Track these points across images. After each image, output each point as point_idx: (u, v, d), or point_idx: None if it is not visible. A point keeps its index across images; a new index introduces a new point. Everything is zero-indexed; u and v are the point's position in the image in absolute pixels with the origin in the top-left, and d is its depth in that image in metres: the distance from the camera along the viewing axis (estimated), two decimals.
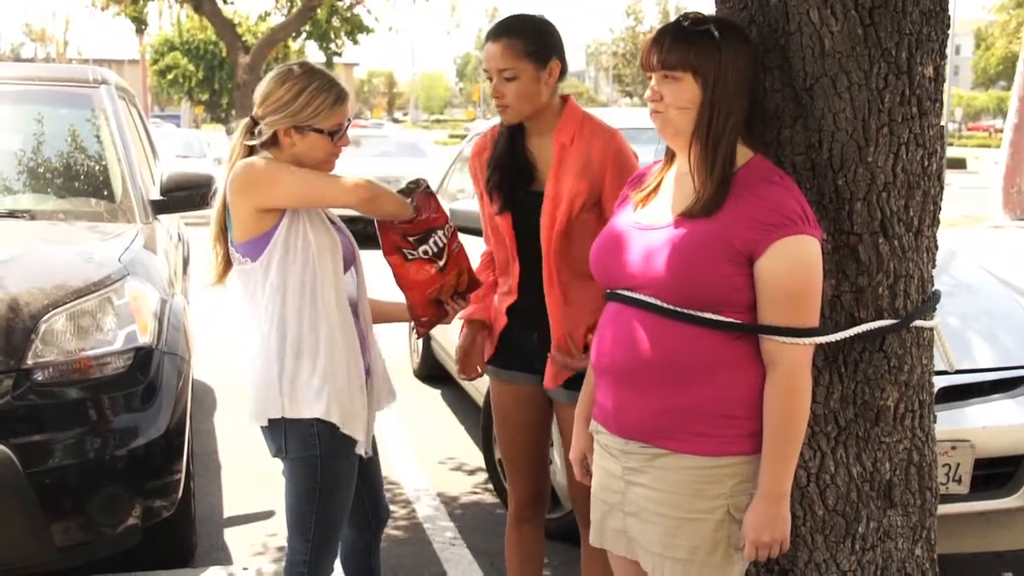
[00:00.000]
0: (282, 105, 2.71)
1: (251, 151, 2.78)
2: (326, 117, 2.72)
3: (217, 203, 2.81)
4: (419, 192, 2.85)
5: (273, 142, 2.77)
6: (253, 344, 2.81)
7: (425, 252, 2.85)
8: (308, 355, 2.73)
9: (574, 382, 3.05)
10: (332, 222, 2.87)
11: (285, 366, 2.73)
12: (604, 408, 2.38)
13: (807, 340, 2.18)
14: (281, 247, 2.70)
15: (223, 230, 2.81)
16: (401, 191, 2.86)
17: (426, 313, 2.96)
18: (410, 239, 2.84)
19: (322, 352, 2.73)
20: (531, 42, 2.96)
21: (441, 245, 2.86)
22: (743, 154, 2.26)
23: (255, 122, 2.78)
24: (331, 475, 2.79)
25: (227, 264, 2.85)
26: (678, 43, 2.21)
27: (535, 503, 3.34)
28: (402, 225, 2.83)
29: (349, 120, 2.82)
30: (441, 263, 2.86)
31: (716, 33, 2.19)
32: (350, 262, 2.88)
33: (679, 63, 2.20)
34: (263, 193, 2.67)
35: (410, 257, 2.86)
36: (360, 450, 2.84)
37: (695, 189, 2.23)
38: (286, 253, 2.70)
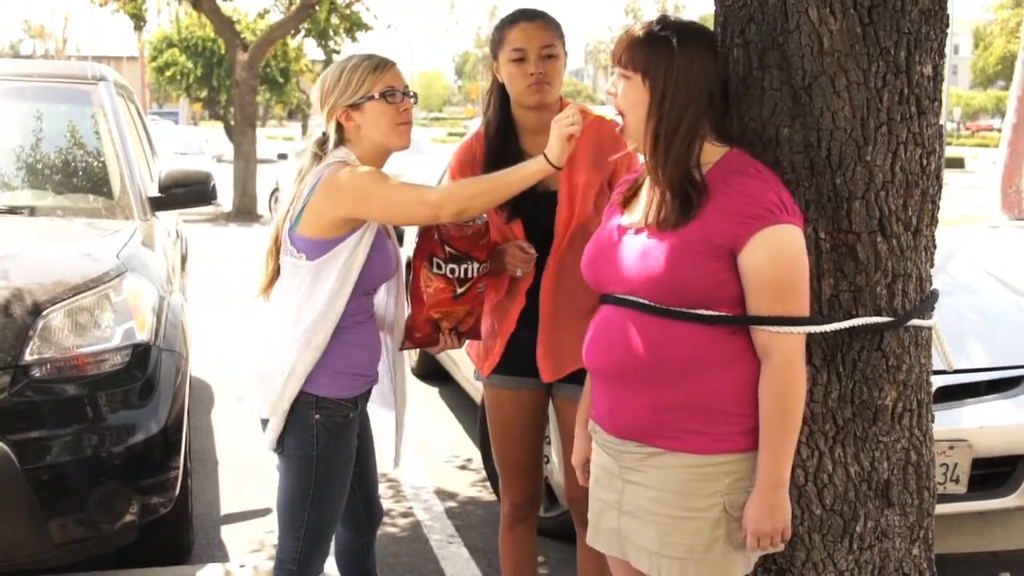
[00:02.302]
0: (331, 91, 2.75)
1: (320, 158, 2.79)
2: (372, 83, 2.72)
3: (277, 217, 2.82)
4: (483, 223, 2.84)
5: (341, 139, 2.78)
6: (276, 336, 2.78)
7: (452, 271, 2.82)
8: (289, 357, 2.73)
9: (578, 377, 3.05)
10: (389, 235, 2.90)
11: (295, 368, 2.73)
12: (600, 408, 2.38)
13: (798, 329, 2.18)
14: (340, 258, 2.70)
15: (279, 246, 2.81)
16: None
17: (421, 330, 2.94)
18: (448, 250, 2.81)
19: (299, 359, 2.72)
20: (558, 25, 3.03)
21: (470, 276, 2.83)
22: (717, 151, 2.26)
23: (325, 135, 2.81)
24: (326, 476, 2.79)
25: (274, 278, 2.85)
26: (634, 43, 2.24)
27: (530, 505, 3.34)
28: (451, 232, 2.80)
29: (408, 88, 2.80)
30: (459, 291, 2.84)
31: (674, 40, 2.20)
32: (389, 275, 2.88)
33: (630, 62, 2.24)
34: (355, 205, 2.67)
35: (436, 270, 2.83)
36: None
37: (657, 203, 2.24)
38: (338, 263, 2.70)
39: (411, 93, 2.80)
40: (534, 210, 3.03)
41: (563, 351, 3.05)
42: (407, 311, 3.00)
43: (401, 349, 3.02)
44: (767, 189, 2.18)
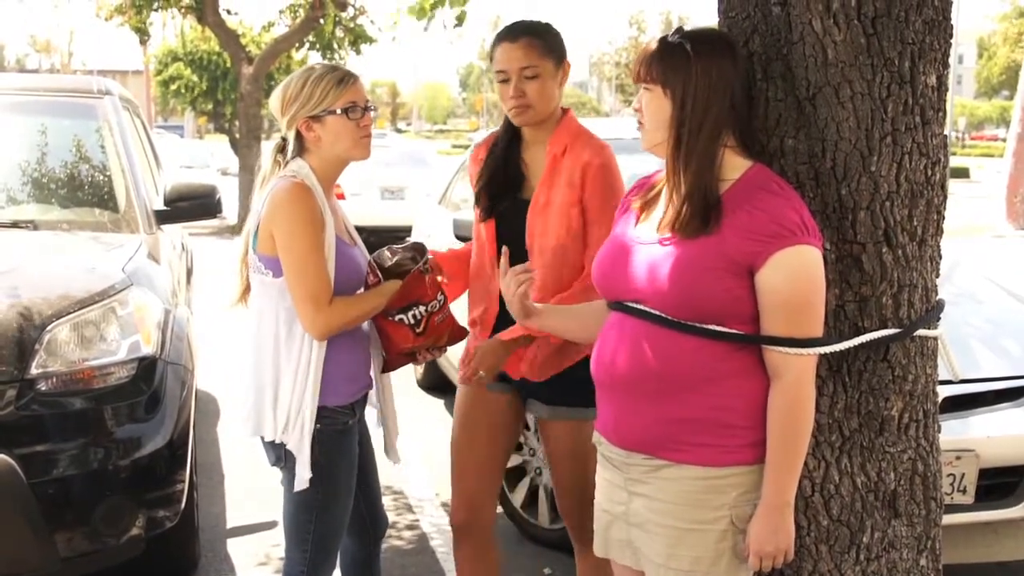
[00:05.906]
0: (292, 100, 2.75)
1: (280, 165, 2.80)
2: (335, 97, 2.73)
3: (248, 225, 2.82)
4: (412, 272, 2.84)
5: (301, 148, 2.79)
6: (251, 357, 2.81)
7: (401, 320, 2.86)
8: (296, 381, 2.73)
9: (558, 397, 3.05)
10: (354, 241, 2.91)
11: (279, 390, 2.74)
12: (605, 420, 2.38)
13: (811, 350, 2.18)
14: None
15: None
16: (399, 260, 2.85)
17: (396, 361, 2.98)
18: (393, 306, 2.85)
19: (309, 382, 2.72)
20: (548, 41, 3.01)
21: (420, 317, 2.86)
22: (739, 165, 2.25)
23: (285, 140, 2.81)
24: (330, 486, 2.79)
25: (249, 286, 2.85)
26: (652, 56, 2.25)
27: (470, 523, 3.23)
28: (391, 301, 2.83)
29: (369, 102, 2.81)
30: (418, 331, 2.88)
31: (689, 49, 2.20)
32: (362, 282, 2.88)
33: (648, 75, 2.24)
34: (278, 243, 2.69)
35: (390, 318, 2.86)
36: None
37: (675, 208, 2.24)
38: None
39: (372, 107, 2.82)
40: (507, 213, 3.08)
41: (524, 354, 3.05)
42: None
43: (382, 372, 3.02)
44: (788, 207, 2.17)
